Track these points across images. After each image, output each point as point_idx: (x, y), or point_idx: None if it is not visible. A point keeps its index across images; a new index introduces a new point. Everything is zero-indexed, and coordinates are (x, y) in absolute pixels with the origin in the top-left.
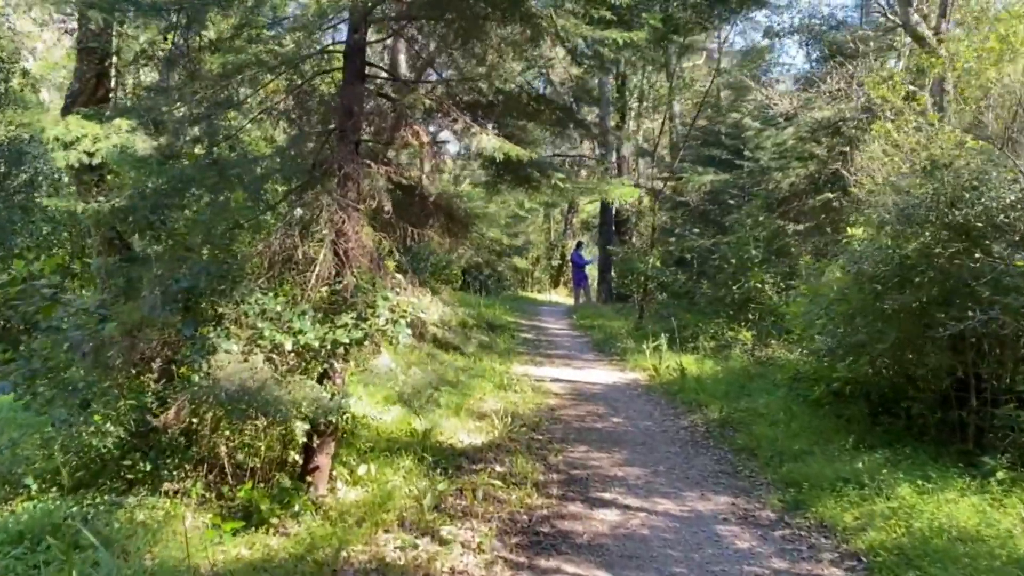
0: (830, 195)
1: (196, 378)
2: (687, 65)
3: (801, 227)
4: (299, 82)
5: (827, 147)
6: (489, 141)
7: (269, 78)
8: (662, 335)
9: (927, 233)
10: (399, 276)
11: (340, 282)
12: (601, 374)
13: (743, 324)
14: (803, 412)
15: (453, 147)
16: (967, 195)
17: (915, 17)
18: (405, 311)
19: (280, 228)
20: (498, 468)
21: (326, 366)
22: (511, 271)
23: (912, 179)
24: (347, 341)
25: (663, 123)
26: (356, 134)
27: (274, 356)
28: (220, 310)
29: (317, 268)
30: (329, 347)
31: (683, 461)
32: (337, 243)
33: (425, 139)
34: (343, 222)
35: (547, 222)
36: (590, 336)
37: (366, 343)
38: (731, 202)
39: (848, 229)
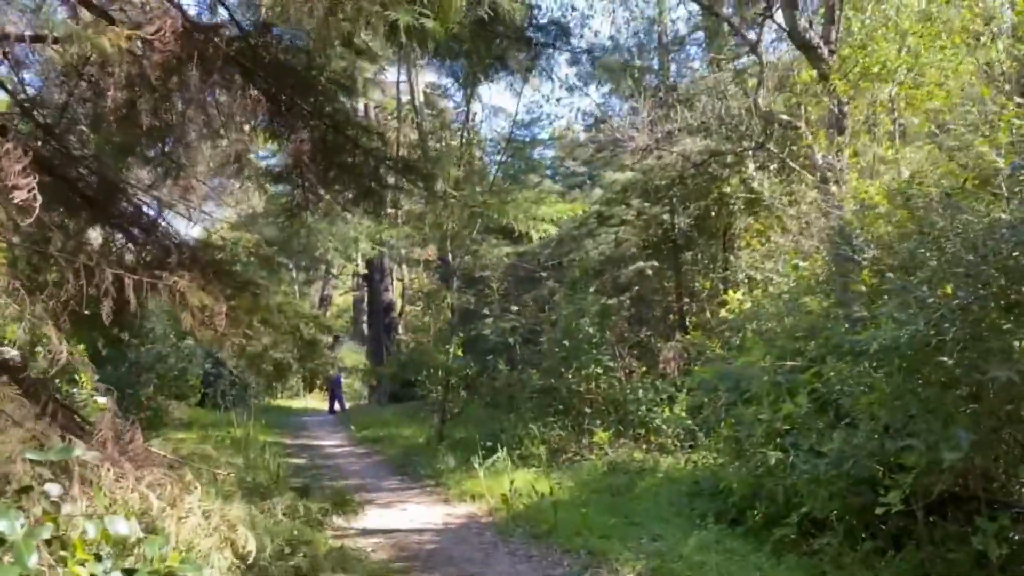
0: (642, 264)
1: None
2: None
3: (625, 299)
4: None
5: (636, 211)
6: None
7: None
8: (495, 444)
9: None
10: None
11: None
12: (422, 512)
13: (582, 421)
14: (763, 561)
15: None
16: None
17: (802, 23)
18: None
19: None
20: None
21: None
22: (258, 375)
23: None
24: None
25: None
26: None
27: None
28: None
29: None
30: None
31: None
32: None
33: None
34: None
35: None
36: (381, 453)
37: None
38: (534, 274)
39: (729, 294)
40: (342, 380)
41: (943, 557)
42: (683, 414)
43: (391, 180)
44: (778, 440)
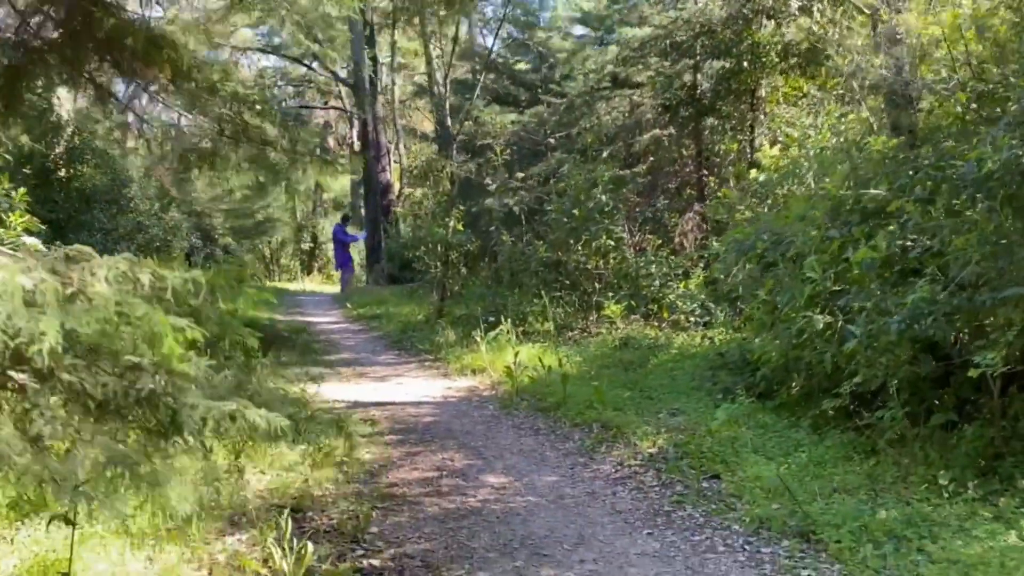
0: (659, 132)
1: None
2: None
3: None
4: None
5: (654, 70)
6: None
7: None
8: (497, 319)
9: None
10: None
11: None
12: (420, 386)
13: (591, 297)
14: (800, 437)
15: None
16: None
17: None
18: None
19: None
20: None
21: None
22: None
23: None
24: None
25: (453, 47)
26: None
27: None
28: None
29: None
30: None
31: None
32: None
33: None
34: None
35: (291, 199)
36: (378, 329)
37: None
38: (540, 147)
39: (763, 149)
40: (351, 257)
41: (1020, 435)
42: (699, 291)
43: None
44: (826, 303)
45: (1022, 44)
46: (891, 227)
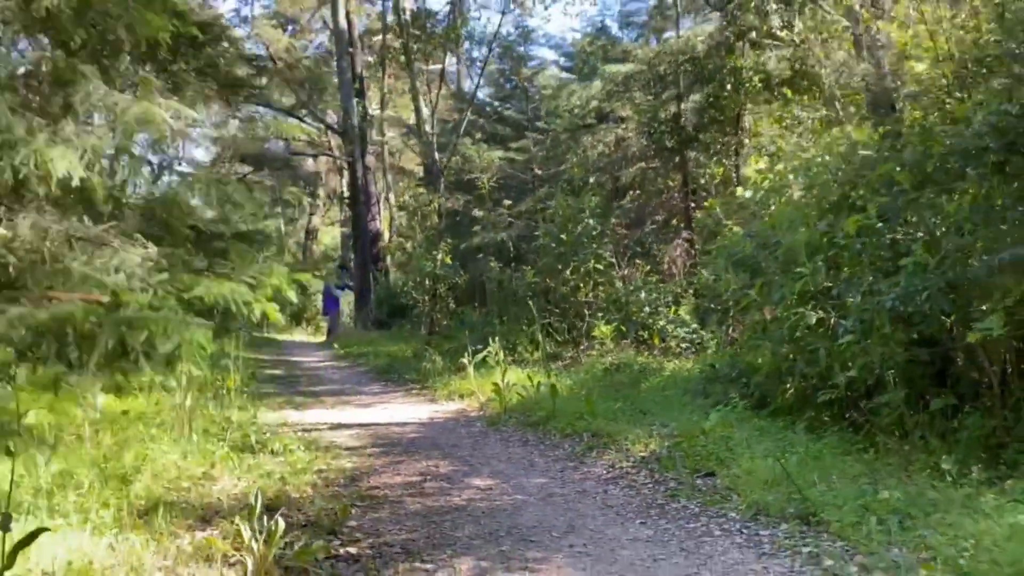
0: (644, 165)
1: None
2: None
3: (626, 203)
4: None
5: (638, 104)
6: None
7: None
8: (486, 346)
9: None
10: None
11: None
12: (406, 410)
13: (580, 324)
14: (796, 437)
15: None
16: None
17: None
18: None
19: None
20: None
21: None
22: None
23: None
24: None
25: (440, 81)
26: None
27: None
28: None
29: None
30: None
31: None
32: None
33: None
34: None
35: (280, 254)
36: (364, 365)
37: None
38: (528, 184)
39: (752, 160)
40: (340, 299)
41: None
42: (690, 317)
43: None
44: (818, 300)
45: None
46: (884, 198)
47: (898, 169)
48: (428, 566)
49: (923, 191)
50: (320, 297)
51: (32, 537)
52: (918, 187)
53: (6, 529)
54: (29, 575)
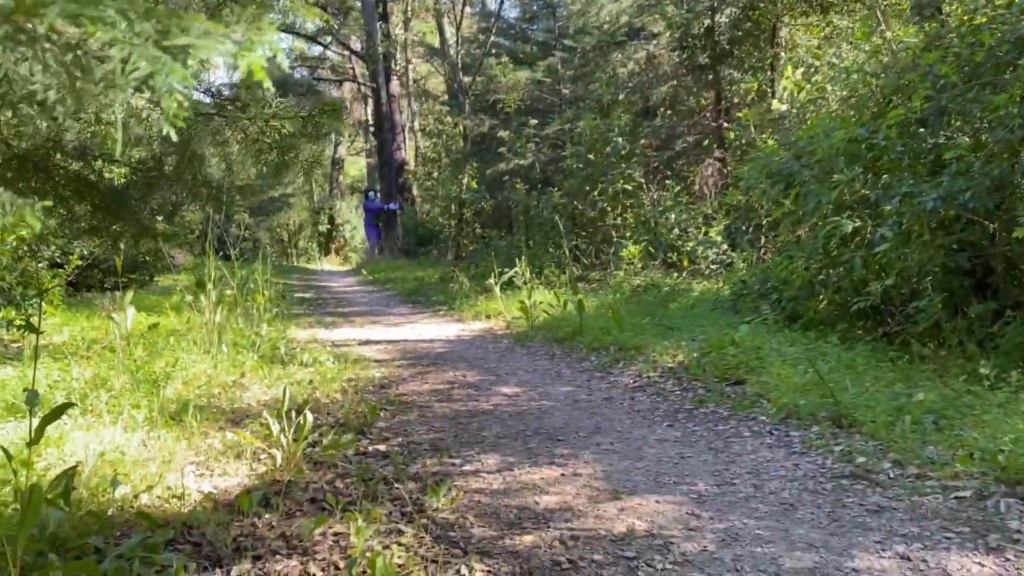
0: (675, 82)
1: None
2: None
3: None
4: None
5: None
6: None
7: None
8: (506, 271)
9: None
10: None
11: None
12: (432, 328)
13: (607, 246)
14: (829, 348)
15: None
16: None
17: None
18: None
19: None
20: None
21: None
22: (270, 236)
23: None
24: None
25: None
26: None
27: None
28: None
29: None
30: None
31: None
32: None
33: None
34: None
35: (308, 183)
36: (392, 289)
37: None
38: (555, 105)
39: (787, 70)
40: (379, 228)
41: None
42: (719, 239)
43: None
44: (855, 209)
45: None
46: (928, 92)
47: (944, 60)
48: (456, 460)
49: (970, 85)
50: (347, 228)
51: (58, 413)
52: (966, 81)
53: (33, 404)
54: (62, 463)
